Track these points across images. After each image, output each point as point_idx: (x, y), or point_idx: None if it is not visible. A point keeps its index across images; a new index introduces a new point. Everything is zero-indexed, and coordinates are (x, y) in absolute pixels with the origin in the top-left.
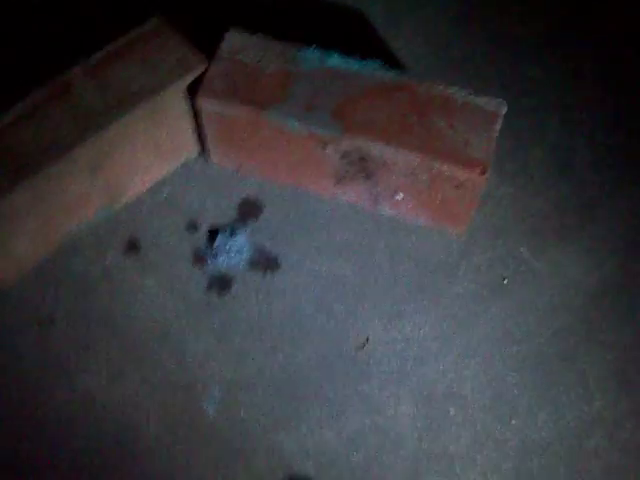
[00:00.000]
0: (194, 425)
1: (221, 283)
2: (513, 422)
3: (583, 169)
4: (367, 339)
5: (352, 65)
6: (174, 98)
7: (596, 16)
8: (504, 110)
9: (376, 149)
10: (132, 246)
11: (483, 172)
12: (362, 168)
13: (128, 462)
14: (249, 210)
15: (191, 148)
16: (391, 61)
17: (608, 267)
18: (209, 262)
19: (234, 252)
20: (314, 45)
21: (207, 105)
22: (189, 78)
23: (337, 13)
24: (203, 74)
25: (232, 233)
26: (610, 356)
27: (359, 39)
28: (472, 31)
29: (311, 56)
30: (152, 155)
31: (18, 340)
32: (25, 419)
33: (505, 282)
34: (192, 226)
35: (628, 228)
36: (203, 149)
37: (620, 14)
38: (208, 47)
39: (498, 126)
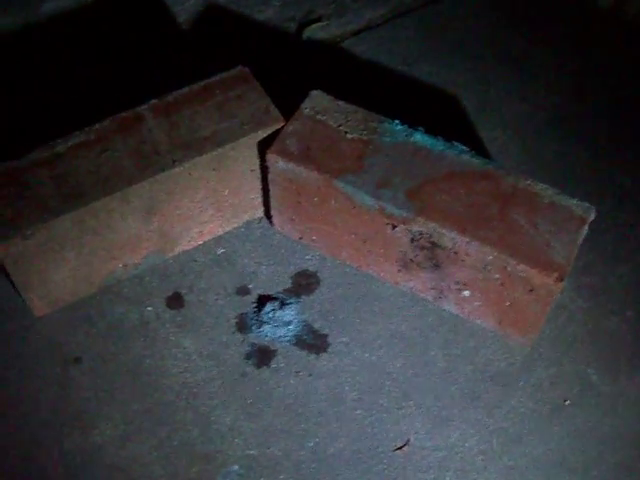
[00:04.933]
0: None
1: (261, 354)
2: None
3: None
4: (408, 441)
5: (436, 145)
6: (244, 152)
7: None
8: (592, 216)
9: (449, 236)
10: (176, 300)
11: (561, 278)
12: (431, 255)
13: None
14: (305, 283)
15: (255, 209)
16: (478, 149)
17: None
18: (253, 330)
19: (281, 324)
20: (398, 119)
21: (277, 164)
22: (263, 133)
23: (429, 93)
24: (278, 131)
25: (283, 304)
26: None
27: (447, 122)
28: (566, 133)
29: (394, 129)
30: (213, 209)
31: (39, 374)
32: (27, 460)
33: (567, 403)
34: (242, 290)
35: None
36: (267, 212)
37: None
38: (290, 106)
39: (584, 232)
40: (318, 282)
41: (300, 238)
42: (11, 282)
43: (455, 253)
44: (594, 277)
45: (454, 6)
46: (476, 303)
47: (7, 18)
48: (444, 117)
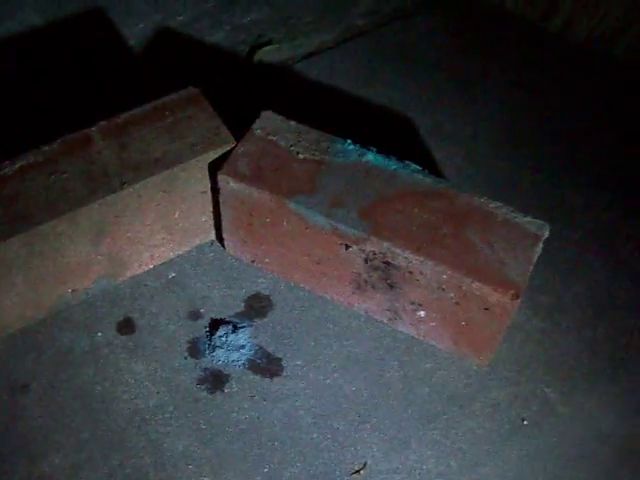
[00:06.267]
0: None
1: (215, 379)
2: None
3: (623, 313)
4: (365, 464)
5: (389, 165)
6: (195, 173)
7: None
8: (547, 233)
9: (403, 256)
10: (127, 325)
11: (516, 296)
12: (385, 276)
13: None
14: (257, 307)
15: (206, 233)
16: (432, 169)
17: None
18: (206, 354)
19: (234, 348)
20: (350, 139)
21: (229, 184)
22: (214, 154)
23: (382, 115)
24: (229, 152)
25: (235, 328)
26: None
27: (401, 143)
28: (518, 153)
29: (346, 149)
30: (163, 232)
31: None
32: None
33: (525, 423)
34: (194, 314)
35: None
36: (219, 235)
37: None
38: (241, 128)
39: (538, 249)
40: (271, 305)
41: (252, 261)
42: None
43: (410, 273)
44: (549, 296)
45: (404, 30)
46: (431, 324)
47: None
48: (397, 139)
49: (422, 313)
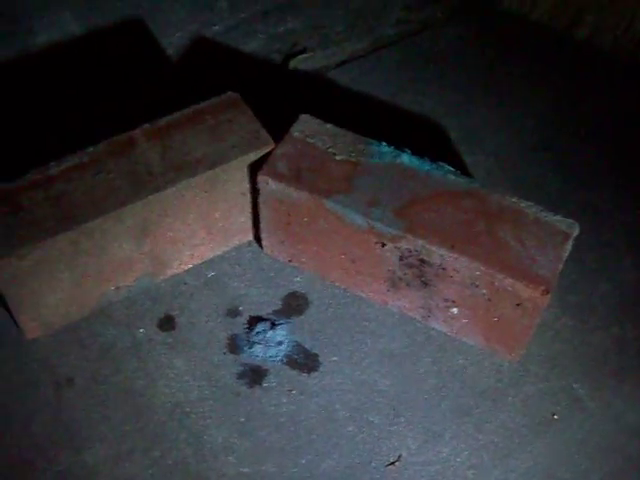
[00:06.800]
0: None
1: (254, 374)
2: None
3: None
4: (400, 456)
5: (422, 166)
6: (235, 174)
7: None
8: (576, 231)
9: (437, 253)
10: (167, 322)
11: (547, 291)
12: (420, 273)
13: None
14: (295, 304)
15: (244, 233)
16: (461, 172)
17: None
18: (245, 350)
19: (272, 344)
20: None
21: (268, 185)
22: (254, 156)
23: (413, 121)
24: (269, 154)
25: (273, 325)
26: None
27: (431, 148)
28: (546, 158)
29: (382, 151)
30: (203, 232)
31: (32, 396)
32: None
33: (555, 417)
34: (233, 311)
35: None
36: (257, 236)
37: None
38: (279, 131)
39: (568, 247)
40: (308, 303)
41: (289, 260)
42: (4, 305)
43: (443, 269)
44: (578, 295)
45: (433, 39)
46: (464, 320)
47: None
48: (428, 143)
49: (455, 310)
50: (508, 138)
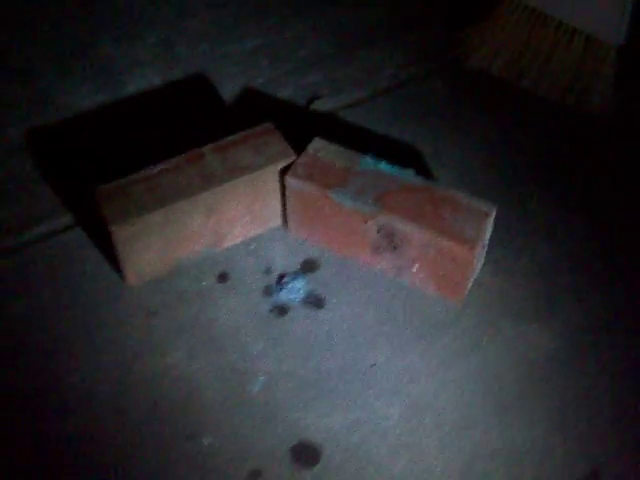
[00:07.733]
0: (239, 399)
1: (281, 310)
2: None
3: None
4: (375, 363)
5: (394, 171)
6: (270, 176)
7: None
8: (494, 211)
9: (401, 225)
10: (223, 277)
11: (472, 248)
12: (391, 241)
13: (190, 414)
14: (309, 266)
15: (276, 218)
16: (424, 173)
17: (558, 343)
18: (275, 295)
19: (294, 291)
20: (370, 154)
21: (292, 183)
22: (282, 164)
23: (398, 145)
24: (292, 163)
25: (294, 278)
26: (553, 403)
27: (406, 160)
28: (492, 169)
29: (368, 161)
30: (249, 216)
31: (127, 324)
32: (127, 376)
33: (484, 342)
34: (268, 270)
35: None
36: (284, 220)
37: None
38: (301, 149)
39: (489, 220)
40: (319, 266)
41: (307, 237)
42: (114, 258)
43: (406, 236)
44: (507, 262)
45: (417, 89)
46: (421, 275)
47: (99, 96)
48: (405, 158)
49: (415, 268)
50: (466, 157)
